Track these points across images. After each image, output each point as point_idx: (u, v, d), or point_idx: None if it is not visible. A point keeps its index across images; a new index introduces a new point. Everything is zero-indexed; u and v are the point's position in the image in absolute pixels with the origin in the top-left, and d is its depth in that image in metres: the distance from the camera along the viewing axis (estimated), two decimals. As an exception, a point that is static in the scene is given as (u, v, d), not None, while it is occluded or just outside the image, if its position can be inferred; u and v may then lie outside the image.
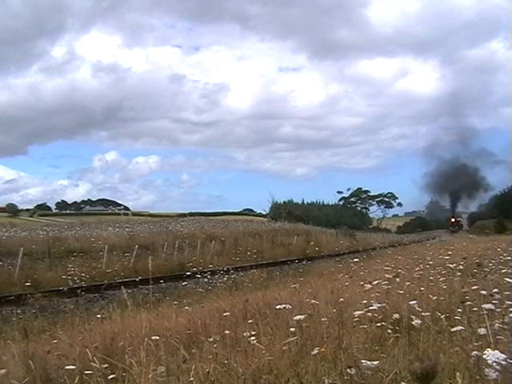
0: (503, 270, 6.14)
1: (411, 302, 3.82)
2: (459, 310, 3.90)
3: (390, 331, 3.60)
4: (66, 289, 12.94)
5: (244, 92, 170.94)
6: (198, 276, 14.25)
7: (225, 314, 4.95)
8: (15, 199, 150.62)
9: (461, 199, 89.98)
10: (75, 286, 13.96)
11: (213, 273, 15.30)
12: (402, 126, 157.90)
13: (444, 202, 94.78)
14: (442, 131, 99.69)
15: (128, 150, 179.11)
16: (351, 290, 6.34)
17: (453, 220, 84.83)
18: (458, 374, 2.22)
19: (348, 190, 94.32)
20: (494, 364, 1.75)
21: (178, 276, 16.30)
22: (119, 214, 77.02)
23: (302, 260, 21.36)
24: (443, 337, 3.46)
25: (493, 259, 8.79)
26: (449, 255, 9.90)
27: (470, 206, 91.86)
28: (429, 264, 8.34)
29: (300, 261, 21.07)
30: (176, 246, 22.64)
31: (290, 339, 3.22)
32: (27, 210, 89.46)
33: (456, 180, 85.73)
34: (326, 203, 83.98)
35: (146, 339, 3.61)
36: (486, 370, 1.87)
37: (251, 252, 23.68)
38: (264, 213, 67.35)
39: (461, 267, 6.64)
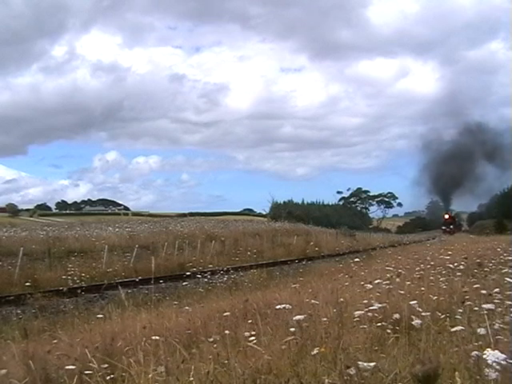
0: (503, 270, 6.14)
1: (411, 302, 3.82)
2: (459, 310, 3.90)
3: (389, 331, 3.59)
4: (65, 289, 12.92)
5: (244, 92, 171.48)
6: (198, 276, 14.23)
7: (225, 314, 4.95)
8: (15, 199, 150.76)
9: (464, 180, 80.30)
10: (75, 286, 13.96)
11: (213, 273, 15.29)
12: (402, 126, 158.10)
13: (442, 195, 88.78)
14: (442, 131, 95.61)
15: (128, 149, 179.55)
16: (351, 290, 6.34)
17: (446, 216, 75.37)
18: (456, 373, 2.22)
19: (348, 189, 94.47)
20: (494, 364, 1.75)
21: (178, 276, 16.29)
22: (119, 214, 77.10)
23: (302, 260, 21.34)
24: (443, 337, 3.46)
25: (493, 259, 8.78)
26: (449, 255, 9.89)
27: (468, 200, 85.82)
28: (429, 264, 8.34)
29: (300, 261, 21.05)
30: (176, 246, 22.64)
31: (289, 338, 3.22)
32: (27, 209, 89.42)
33: (476, 146, 77.35)
34: (326, 203, 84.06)
35: (144, 339, 3.61)
36: (486, 369, 1.87)
37: (251, 252, 23.67)
38: (264, 213, 67.40)
39: (461, 267, 6.64)
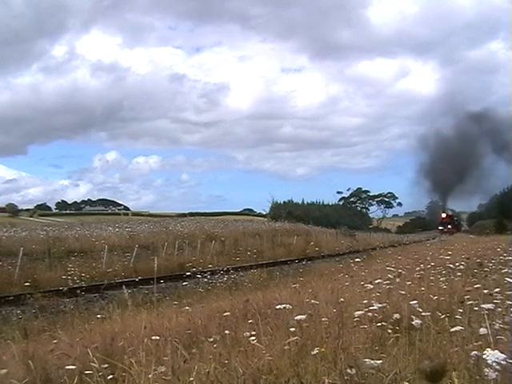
0: (503, 270, 6.14)
1: (412, 302, 3.82)
2: (460, 309, 3.90)
3: (390, 331, 3.59)
4: (65, 289, 12.92)
5: (245, 92, 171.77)
6: (198, 276, 14.22)
7: (225, 314, 4.95)
8: (15, 199, 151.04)
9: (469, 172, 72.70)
10: (75, 286, 13.96)
11: (213, 273, 15.28)
12: (402, 125, 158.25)
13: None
14: (441, 128, 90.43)
15: (128, 149, 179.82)
16: (351, 290, 6.34)
17: (444, 215, 70.51)
18: (454, 373, 2.22)
19: (348, 190, 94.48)
20: (494, 364, 1.75)
21: (178, 276, 16.29)
22: (119, 214, 77.09)
23: (302, 260, 21.33)
24: (443, 337, 3.46)
25: (493, 259, 8.78)
26: (449, 255, 9.89)
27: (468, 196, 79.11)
28: (429, 264, 8.34)
29: (300, 261, 21.04)
30: (176, 246, 22.63)
31: (290, 339, 3.22)
32: (27, 209, 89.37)
33: (481, 136, 69.75)
34: (326, 203, 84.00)
35: (146, 339, 3.61)
36: (486, 369, 1.87)
37: (251, 252, 23.66)
38: (264, 213, 67.34)
39: (461, 267, 6.64)
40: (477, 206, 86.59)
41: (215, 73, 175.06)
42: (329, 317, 4.08)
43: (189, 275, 14.51)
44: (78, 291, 13.15)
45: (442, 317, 3.84)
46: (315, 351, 2.92)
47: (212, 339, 3.88)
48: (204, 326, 4.92)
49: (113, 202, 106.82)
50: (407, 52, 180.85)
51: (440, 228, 67.27)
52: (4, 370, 3.24)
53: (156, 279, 13.68)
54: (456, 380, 2.13)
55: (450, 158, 74.59)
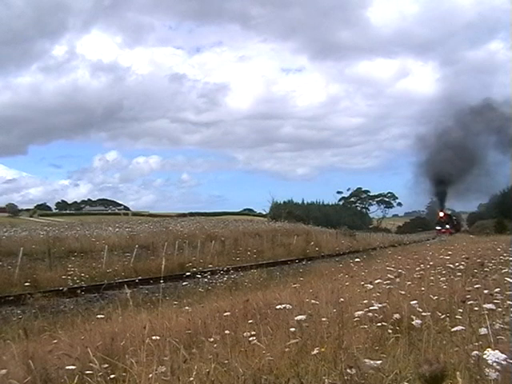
0: (504, 270, 6.14)
1: (412, 302, 3.82)
2: (460, 309, 3.90)
3: (390, 331, 3.59)
4: (65, 289, 12.92)
5: (245, 92, 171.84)
6: (198, 276, 14.20)
7: (225, 314, 4.95)
8: (16, 199, 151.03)
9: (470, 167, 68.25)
10: (75, 286, 13.95)
11: (213, 273, 15.27)
12: (402, 126, 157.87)
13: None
14: (439, 126, 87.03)
15: (128, 150, 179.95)
16: (351, 289, 6.34)
17: (441, 214, 66.34)
18: (458, 373, 2.22)
19: (348, 190, 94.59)
20: (494, 364, 1.75)
21: (178, 276, 16.28)
22: (119, 214, 77.05)
23: (302, 260, 21.33)
24: (443, 337, 3.46)
25: (493, 259, 8.78)
26: (449, 255, 9.88)
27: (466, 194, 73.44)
28: (429, 264, 8.33)
29: (300, 261, 21.04)
30: (176, 246, 22.62)
31: (290, 341, 3.22)
32: (27, 209, 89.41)
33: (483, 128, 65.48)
34: (326, 203, 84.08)
35: (147, 339, 3.61)
36: (486, 369, 1.87)
37: (251, 252, 23.65)
38: (264, 213, 67.32)
39: (461, 267, 6.63)
40: (477, 206, 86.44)
41: (215, 73, 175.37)
42: (329, 317, 4.08)
43: (189, 275, 14.49)
44: (78, 291, 13.15)
45: (442, 317, 3.84)
46: (315, 351, 2.92)
47: (212, 339, 3.88)
48: (204, 326, 4.92)
49: (113, 202, 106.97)
50: (407, 52, 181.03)
51: (437, 228, 64.37)
52: (4, 370, 3.23)
53: (156, 279, 13.72)
54: (460, 380, 2.13)
55: (450, 155, 72.18)
